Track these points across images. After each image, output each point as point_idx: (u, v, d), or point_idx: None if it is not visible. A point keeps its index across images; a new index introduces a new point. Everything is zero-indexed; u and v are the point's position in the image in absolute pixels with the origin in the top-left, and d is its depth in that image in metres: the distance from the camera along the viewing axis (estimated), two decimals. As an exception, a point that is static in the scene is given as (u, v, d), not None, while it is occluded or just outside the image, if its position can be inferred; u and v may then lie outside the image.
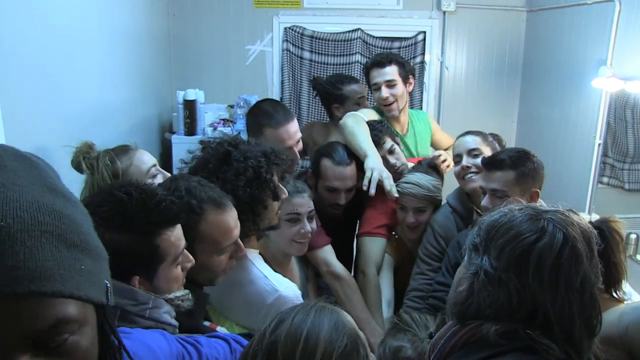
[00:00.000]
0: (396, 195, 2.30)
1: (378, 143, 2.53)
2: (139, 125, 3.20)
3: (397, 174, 2.53)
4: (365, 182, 2.28)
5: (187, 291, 1.30)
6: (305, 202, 2.07)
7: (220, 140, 1.72)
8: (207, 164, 1.63)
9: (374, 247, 2.53)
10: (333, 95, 2.95)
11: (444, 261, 2.27)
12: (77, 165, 1.88)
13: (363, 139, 2.43)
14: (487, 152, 2.34)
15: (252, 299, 1.65)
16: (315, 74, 4.03)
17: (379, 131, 2.56)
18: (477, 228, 1.16)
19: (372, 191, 2.25)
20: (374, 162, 2.32)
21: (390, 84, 2.67)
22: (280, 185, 1.78)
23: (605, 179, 3.23)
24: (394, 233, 2.60)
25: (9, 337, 0.59)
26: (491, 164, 2.07)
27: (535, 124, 3.81)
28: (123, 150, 1.95)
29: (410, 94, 4.16)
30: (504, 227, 1.10)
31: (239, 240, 1.49)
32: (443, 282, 2.23)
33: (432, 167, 2.52)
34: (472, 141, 2.36)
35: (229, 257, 1.49)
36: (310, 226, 2.07)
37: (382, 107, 2.72)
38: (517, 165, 2.02)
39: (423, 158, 2.61)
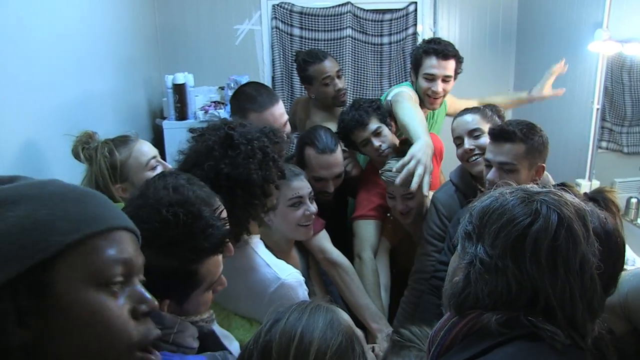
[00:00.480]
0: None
1: (362, 123, 2.46)
2: (129, 113, 3.14)
3: (382, 157, 2.48)
4: (398, 165, 2.17)
5: (211, 312, 1.29)
6: (304, 184, 2.02)
7: (216, 125, 1.65)
8: (212, 151, 1.55)
9: (369, 230, 2.49)
10: (300, 75, 2.91)
11: (446, 240, 2.22)
12: (76, 155, 1.85)
13: (419, 123, 2.35)
14: (486, 129, 2.26)
15: (253, 287, 1.62)
16: (306, 51, 3.98)
17: (364, 111, 2.47)
18: (469, 215, 1.13)
19: (398, 181, 2.17)
20: (419, 150, 2.19)
21: (446, 79, 2.60)
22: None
23: (604, 144, 3.19)
24: (389, 215, 2.56)
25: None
26: (500, 136, 1.98)
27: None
28: (122, 141, 1.90)
29: (404, 66, 4.14)
30: (496, 213, 1.06)
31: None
32: (445, 261, 2.18)
33: None
34: (472, 121, 2.26)
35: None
36: (313, 207, 2.03)
37: (426, 97, 2.64)
38: (528, 138, 1.94)
39: (388, 152, 2.50)
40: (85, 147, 1.83)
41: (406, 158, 2.16)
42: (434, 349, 1.10)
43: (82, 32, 2.47)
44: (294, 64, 3.97)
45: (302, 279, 1.68)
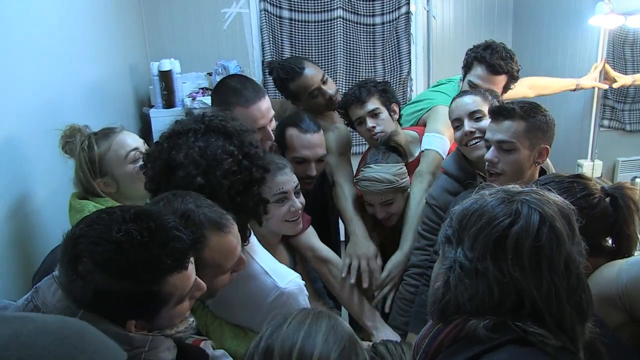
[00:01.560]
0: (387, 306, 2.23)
1: (360, 100, 2.34)
2: (115, 102, 3.03)
3: (373, 140, 2.37)
4: (345, 270, 2.17)
5: (191, 320, 1.24)
6: (289, 179, 1.93)
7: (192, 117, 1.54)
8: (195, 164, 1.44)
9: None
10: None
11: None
12: (62, 147, 1.79)
13: (350, 209, 2.32)
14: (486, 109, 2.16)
15: (251, 296, 1.53)
16: (297, 34, 3.87)
17: (366, 89, 2.36)
18: (449, 219, 1.09)
19: (352, 281, 2.17)
20: (354, 248, 2.21)
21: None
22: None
23: (606, 122, 3.12)
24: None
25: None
26: (499, 113, 1.88)
27: (530, 70, 3.64)
28: (104, 134, 1.83)
29: (398, 46, 4.04)
30: (475, 214, 1.03)
31: (242, 254, 1.38)
32: None
33: (390, 147, 2.30)
34: (472, 102, 2.13)
35: (230, 273, 1.38)
36: (299, 201, 1.94)
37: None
38: (528, 116, 1.84)
39: (381, 136, 2.37)
40: (67, 142, 1.77)
41: (346, 260, 2.18)
42: (419, 357, 1.07)
43: (63, 18, 2.36)
44: (284, 47, 3.92)
45: (302, 284, 1.59)
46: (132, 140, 1.84)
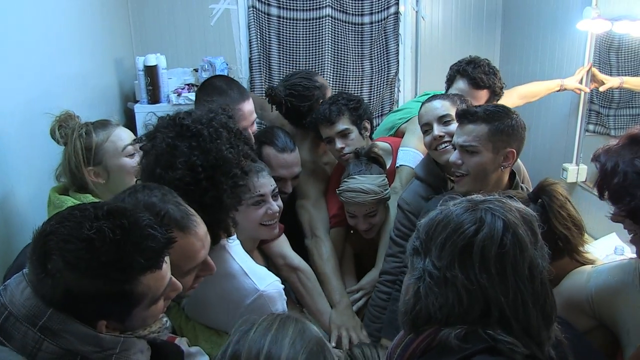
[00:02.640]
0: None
1: (329, 120, 2.34)
2: (99, 96, 3.00)
3: (342, 159, 2.37)
4: (333, 341, 2.19)
5: (165, 320, 1.18)
6: (266, 182, 1.94)
7: (163, 123, 1.52)
8: (175, 148, 1.43)
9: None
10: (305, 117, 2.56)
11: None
12: (52, 134, 1.81)
13: (329, 269, 2.34)
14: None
15: (228, 297, 1.52)
16: (285, 32, 3.84)
17: (336, 108, 2.34)
18: (416, 231, 1.12)
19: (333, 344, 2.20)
20: (341, 320, 2.23)
21: None
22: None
23: (591, 127, 3.13)
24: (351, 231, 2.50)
25: None
26: (463, 116, 1.92)
27: (517, 73, 3.67)
28: (102, 124, 1.87)
29: (386, 46, 4.03)
30: (441, 224, 1.06)
31: (208, 258, 1.35)
32: None
33: (371, 159, 2.32)
34: (441, 107, 2.17)
35: (195, 277, 1.34)
36: (276, 204, 1.95)
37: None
38: (492, 120, 1.86)
39: (360, 149, 2.37)
40: (62, 126, 1.79)
41: (334, 331, 2.20)
42: None
43: (48, 10, 2.32)
44: (271, 44, 3.88)
45: (281, 287, 1.58)
46: (129, 136, 1.87)
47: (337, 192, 2.28)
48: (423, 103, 2.25)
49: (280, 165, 2.25)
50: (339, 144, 2.37)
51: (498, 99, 2.56)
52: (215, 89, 2.14)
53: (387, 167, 2.43)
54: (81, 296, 0.99)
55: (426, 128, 2.19)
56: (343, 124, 2.36)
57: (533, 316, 1.01)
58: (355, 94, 2.89)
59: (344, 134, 2.37)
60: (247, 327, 1.03)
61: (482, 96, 2.49)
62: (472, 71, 2.49)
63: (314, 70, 3.78)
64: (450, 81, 2.59)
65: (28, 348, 0.97)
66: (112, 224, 1.00)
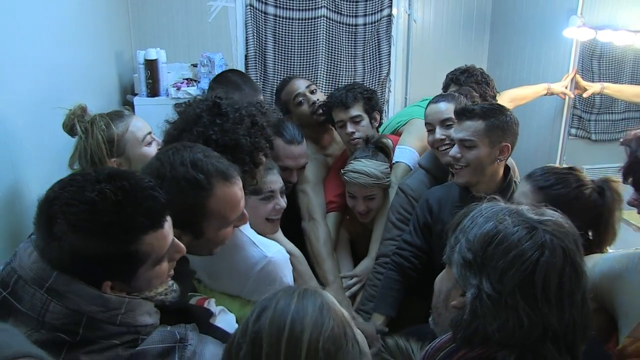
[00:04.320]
0: None
1: (344, 105, 2.45)
2: (99, 88, 3.03)
3: (351, 144, 2.47)
4: None
5: (170, 283, 1.20)
6: (277, 179, 2.02)
7: (203, 96, 1.64)
8: (200, 118, 1.54)
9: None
10: (280, 106, 2.73)
11: (412, 220, 2.27)
12: (70, 129, 1.84)
13: (324, 252, 2.42)
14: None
15: (239, 266, 1.60)
16: (281, 31, 3.92)
17: (352, 95, 2.46)
18: (465, 240, 1.08)
19: None
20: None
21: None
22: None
23: (573, 131, 3.25)
24: (347, 217, 2.58)
25: None
26: (462, 114, 2.04)
27: (505, 77, 3.78)
28: (118, 115, 1.91)
29: (378, 47, 4.12)
30: (501, 247, 1.02)
31: (244, 210, 1.44)
32: (409, 241, 2.24)
33: (379, 147, 2.44)
34: (445, 110, 2.27)
35: (231, 229, 1.43)
36: (283, 201, 2.03)
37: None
38: (487, 116, 1.98)
39: (370, 137, 2.50)
40: (80, 121, 1.82)
41: None
42: None
43: (49, 2, 2.35)
44: (267, 42, 3.96)
45: (287, 255, 1.67)
46: (144, 125, 1.93)
47: (342, 171, 2.37)
48: (430, 102, 2.36)
49: (288, 156, 2.32)
50: (350, 128, 2.48)
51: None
52: (230, 82, 2.24)
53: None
54: (87, 257, 1.02)
55: (429, 127, 2.30)
56: (356, 110, 2.48)
57: (578, 337, 1.04)
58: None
59: (356, 120, 2.49)
60: (264, 302, 1.00)
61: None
62: (464, 80, 2.62)
63: (307, 68, 3.88)
64: (445, 88, 2.73)
65: (36, 309, 1.01)
66: (114, 186, 1.03)
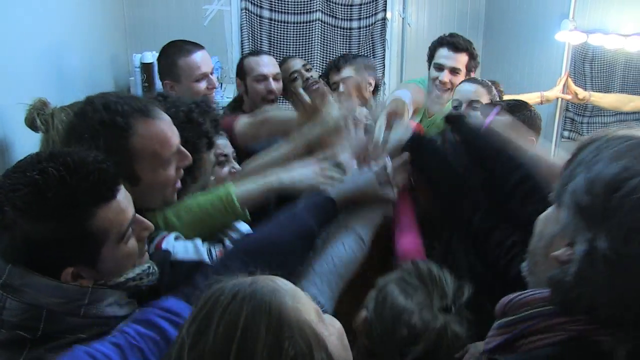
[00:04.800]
0: None
1: (336, 67, 2.60)
2: (94, 91, 2.98)
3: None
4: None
5: (146, 266, 1.12)
6: (227, 143, 1.95)
7: (148, 95, 1.64)
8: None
9: None
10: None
11: None
12: (30, 123, 1.77)
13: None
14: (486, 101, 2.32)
15: None
16: (276, 34, 3.95)
17: (345, 59, 2.62)
18: (585, 179, 0.81)
19: None
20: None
21: (455, 71, 2.66)
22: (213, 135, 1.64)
23: (566, 133, 3.30)
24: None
25: None
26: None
27: (498, 80, 3.79)
28: (77, 106, 1.84)
29: (373, 51, 4.16)
30: (634, 197, 0.75)
31: (182, 148, 1.36)
32: None
33: None
34: (475, 91, 2.34)
35: (176, 170, 1.36)
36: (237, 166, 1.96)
37: (434, 87, 2.71)
38: (514, 112, 2.01)
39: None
40: (40, 114, 1.74)
41: None
42: (514, 330, 0.88)
43: (44, 6, 2.38)
44: (262, 46, 3.99)
45: None
46: None
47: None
48: (463, 81, 2.47)
49: (260, 64, 2.55)
50: (342, 88, 2.56)
51: (476, 65, 2.77)
52: (172, 48, 2.44)
53: None
54: (40, 243, 0.96)
55: (455, 104, 2.35)
56: (348, 72, 2.57)
57: None
58: None
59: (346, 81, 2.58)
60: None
61: (462, 60, 2.70)
62: (450, 38, 2.74)
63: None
64: (431, 54, 2.79)
65: None
66: (56, 164, 0.97)
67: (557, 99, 3.18)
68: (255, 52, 2.68)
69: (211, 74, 2.41)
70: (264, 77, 2.54)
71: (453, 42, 2.68)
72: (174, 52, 2.40)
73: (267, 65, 2.56)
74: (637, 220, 0.75)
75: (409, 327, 1.15)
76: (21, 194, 0.95)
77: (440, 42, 2.75)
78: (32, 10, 2.23)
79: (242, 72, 2.60)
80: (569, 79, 3.11)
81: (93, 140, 1.22)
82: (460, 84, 2.46)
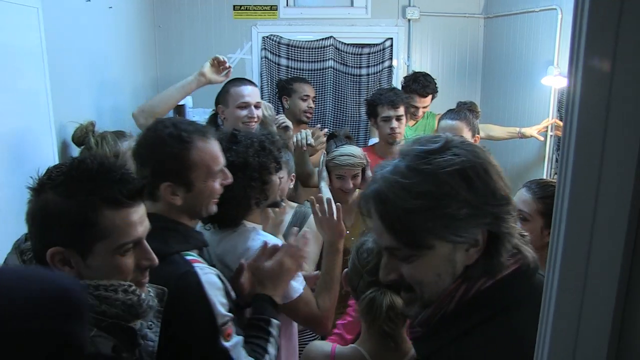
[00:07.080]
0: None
1: (394, 104, 2.97)
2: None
3: (391, 137, 2.97)
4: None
5: (137, 291, 1.15)
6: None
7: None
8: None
9: None
10: (284, 85, 3.46)
11: None
12: (81, 140, 2.06)
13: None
14: (468, 136, 2.62)
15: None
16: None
17: (400, 97, 3.01)
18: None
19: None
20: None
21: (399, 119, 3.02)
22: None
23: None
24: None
25: None
26: None
27: (495, 117, 4.09)
28: (121, 134, 2.16)
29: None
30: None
31: (225, 169, 1.62)
32: None
33: (347, 137, 2.85)
34: (456, 127, 2.69)
35: (219, 185, 1.60)
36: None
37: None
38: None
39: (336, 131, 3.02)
40: (93, 134, 2.05)
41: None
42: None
43: (97, 55, 2.76)
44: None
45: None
46: None
47: (328, 158, 2.68)
48: (442, 116, 2.90)
49: (242, 94, 2.72)
50: (394, 123, 2.97)
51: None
52: (230, 81, 2.82)
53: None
54: (52, 214, 1.07)
55: None
56: (402, 111, 2.99)
57: None
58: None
59: (399, 119, 2.98)
60: None
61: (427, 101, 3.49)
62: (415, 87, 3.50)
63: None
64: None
65: None
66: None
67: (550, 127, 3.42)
68: (238, 82, 2.83)
69: (256, 107, 2.73)
70: (248, 106, 2.72)
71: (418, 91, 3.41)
72: (230, 83, 2.78)
73: (250, 94, 2.75)
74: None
75: (368, 251, 1.43)
76: (57, 170, 1.11)
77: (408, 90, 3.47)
78: (101, 52, 2.59)
79: (224, 98, 2.80)
80: (558, 121, 3.35)
81: (158, 145, 1.52)
82: (441, 118, 2.86)
